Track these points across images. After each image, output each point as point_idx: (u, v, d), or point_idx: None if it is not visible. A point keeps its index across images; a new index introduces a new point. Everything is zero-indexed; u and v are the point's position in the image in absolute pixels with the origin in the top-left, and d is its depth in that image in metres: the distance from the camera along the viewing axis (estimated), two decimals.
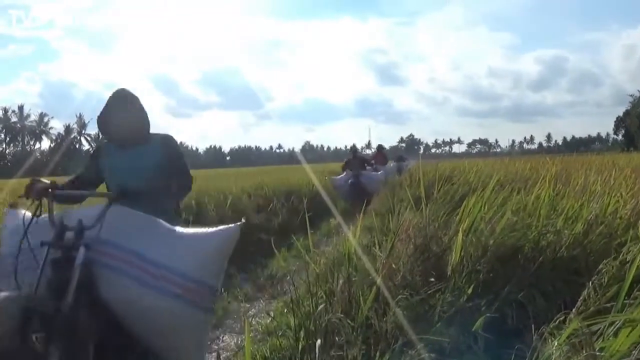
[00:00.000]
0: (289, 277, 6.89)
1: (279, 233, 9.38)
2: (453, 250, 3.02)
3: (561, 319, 2.05)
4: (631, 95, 74.13)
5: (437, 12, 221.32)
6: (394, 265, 3.34)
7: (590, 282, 2.31)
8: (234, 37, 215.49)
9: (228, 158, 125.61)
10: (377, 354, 2.62)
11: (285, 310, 4.75)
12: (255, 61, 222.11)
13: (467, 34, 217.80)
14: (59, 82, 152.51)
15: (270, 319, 4.88)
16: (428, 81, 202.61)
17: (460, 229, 2.97)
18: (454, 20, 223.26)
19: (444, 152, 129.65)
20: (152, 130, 3.31)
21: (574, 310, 2.18)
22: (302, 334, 3.32)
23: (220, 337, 4.74)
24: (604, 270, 2.39)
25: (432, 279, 3.15)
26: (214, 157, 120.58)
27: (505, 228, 3.01)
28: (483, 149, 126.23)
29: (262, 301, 5.89)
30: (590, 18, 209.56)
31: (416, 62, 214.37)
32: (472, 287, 2.82)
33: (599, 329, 1.89)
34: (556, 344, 1.80)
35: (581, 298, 2.25)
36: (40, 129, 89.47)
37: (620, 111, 79.20)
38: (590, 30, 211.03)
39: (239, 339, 4.60)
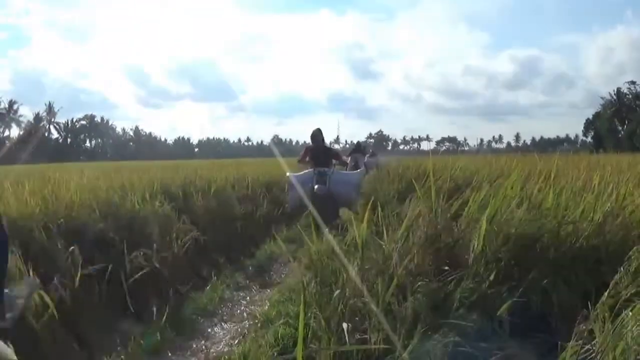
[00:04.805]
0: (279, 267, 7.01)
1: (262, 224, 9.45)
2: (475, 239, 3.11)
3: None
4: (602, 98, 75.80)
5: (415, 9, 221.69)
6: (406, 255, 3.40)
7: (622, 268, 2.43)
8: (209, 29, 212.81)
9: (196, 150, 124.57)
10: (402, 338, 2.69)
11: (286, 298, 4.82)
12: (231, 54, 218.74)
13: (445, 31, 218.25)
14: (31, 70, 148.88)
15: (267, 306, 4.95)
16: (403, 78, 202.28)
17: (484, 218, 3.06)
18: (433, 18, 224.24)
19: (412, 149, 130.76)
20: None
21: (605, 294, 2.29)
22: (312, 320, 3.36)
23: (220, 324, 4.75)
24: (633, 257, 2.52)
25: (446, 268, 3.23)
26: (182, 148, 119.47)
27: (525, 219, 3.11)
28: (451, 146, 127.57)
29: (253, 290, 5.92)
30: (572, 18, 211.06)
31: (392, 59, 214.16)
32: (493, 274, 2.91)
33: None
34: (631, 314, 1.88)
35: (612, 282, 2.36)
36: (10, 117, 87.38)
37: (592, 113, 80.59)
38: (569, 32, 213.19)
39: (238, 327, 4.63)
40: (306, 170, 8.65)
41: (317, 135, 8.92)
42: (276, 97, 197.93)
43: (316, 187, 8.07)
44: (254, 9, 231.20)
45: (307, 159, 8.78)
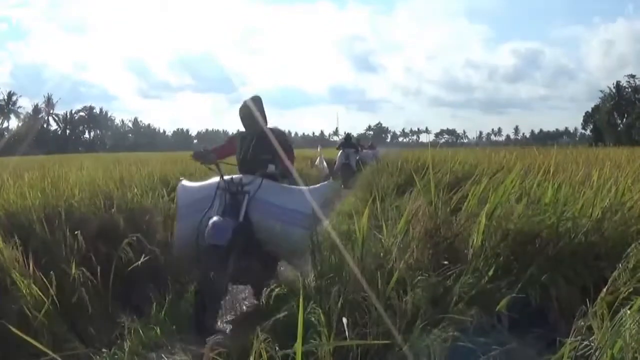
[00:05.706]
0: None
1: None
2: (474, 234, 3.13)
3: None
4: (602, 91, 75.57)
5: (416, 0, 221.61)
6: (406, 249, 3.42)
7: (620, 264, 2.46)
8: (210, 21, 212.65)
9: (195, 141, 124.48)
10: (401, 332, 2.70)
11: (287, 291, 4.81)
12: (231, 45, 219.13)
13: (446, 24, 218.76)
14: (30, 62, 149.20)
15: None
16: (404, 70, 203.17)
17: (484, 214, 3.08)
18: (433, 10, 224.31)
19: (411, 141, 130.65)
20: None
21: (604, 290, 2.32)
22: (312, 314, 3.37)
23: (220, 317, 4.75)
24: (631, 254, 2.54)
25: (446, 262, 3.25)
26: (181, 139, 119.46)
27: (524, 215, 3.14)
28: (451, 139, 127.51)
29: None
30: (573, 11, 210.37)
31: (393, 51, 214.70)
32: (492, 269, 2.93)
33: None
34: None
35: (611, 279, 2.39)
36: (8, 109, 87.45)
37: (591, 106, 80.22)
38: (570, 24, 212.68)
39: (239, 320, 4.64)
40: (213, 179, 4.56)
41: (249, 112, 4.76)
42: (277, 88, 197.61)
43: (212, 221, 3.93)
44: (254, 1, 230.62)
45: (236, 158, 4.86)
